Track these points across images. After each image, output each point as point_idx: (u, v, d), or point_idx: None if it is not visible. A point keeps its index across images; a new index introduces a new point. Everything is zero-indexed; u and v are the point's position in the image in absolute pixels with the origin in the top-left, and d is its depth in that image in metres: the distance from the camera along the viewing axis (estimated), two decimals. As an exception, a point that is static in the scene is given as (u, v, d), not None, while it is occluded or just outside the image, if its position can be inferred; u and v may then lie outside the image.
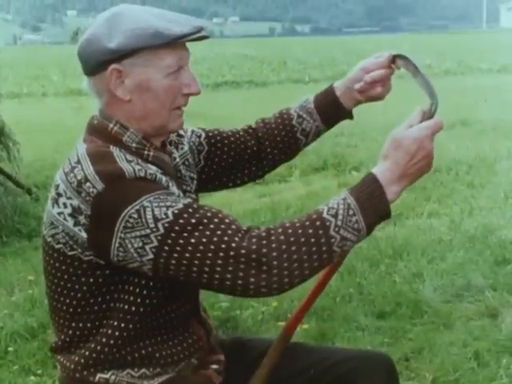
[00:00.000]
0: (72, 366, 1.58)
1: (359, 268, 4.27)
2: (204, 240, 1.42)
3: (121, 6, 1.61)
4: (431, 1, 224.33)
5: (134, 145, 1.57)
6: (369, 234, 1.47)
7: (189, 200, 1.50)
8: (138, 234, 1.43)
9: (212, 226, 1.43)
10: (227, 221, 1.45)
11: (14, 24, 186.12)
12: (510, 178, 6.66)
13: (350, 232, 1.43)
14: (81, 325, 1.57)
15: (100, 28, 1.55)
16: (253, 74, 22.87)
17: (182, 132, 1.80)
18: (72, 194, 1.48)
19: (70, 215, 1.48)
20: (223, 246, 1.41)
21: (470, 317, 3.62)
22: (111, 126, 1.57)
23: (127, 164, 1.49)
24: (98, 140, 1.57)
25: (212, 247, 1.41)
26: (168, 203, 1.44)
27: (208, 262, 1.42)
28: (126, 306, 1.54)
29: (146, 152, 1.58)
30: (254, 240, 1.42)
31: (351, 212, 1.43)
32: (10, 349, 3.44)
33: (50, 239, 1.54)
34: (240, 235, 1.43)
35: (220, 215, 1.46)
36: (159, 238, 1.42)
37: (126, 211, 1.43)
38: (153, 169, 1.54)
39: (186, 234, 1.42)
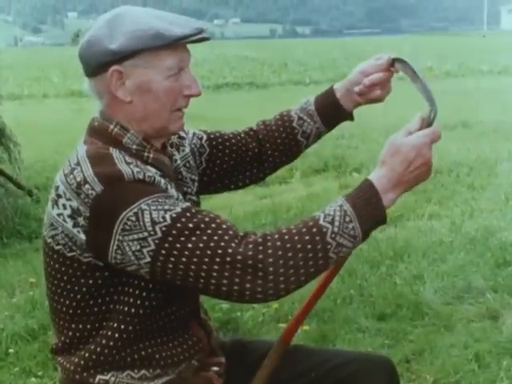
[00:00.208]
0: (72, 368, 1.58)
1: (360, 270, 4.27)
2: (201, 245, 1.42)
3: (122, 7, 1.61)
4: (432, 2, 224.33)
5: (134, 146, 1.58)
6: (364, 239, 1.48)
7: (187, 204, 1.50)
8: (135, 236, 1.43)
9: (209, 232, 1.43)
10: (224, 226, 1.45)
11: (14, 25, 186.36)
12: (511, 179, 6.66)
13: (347, 239, 1.44)
14: (81, 326, 1.57)
15: (101, 29, 1.55)
16: (254, 75, 22.89)
17: (183, 134, 1.81)
18: (71, 195, 1.48)
19: (70, 216, 1.48)
20: (220, 251, 1.41)
21: (470, 319, 3.62)
22: (111, 127, 1.58)
23: (126, 166, 1.49)
24: (98, 141, 1.57)
25: (209, 252, 1.41)
26: (166, 206, 1.44)
27: (204, 267, 1.42)
28: (126, 308, 1.54)
29: (145, 154, 1.58)
30: (250, 246, 1.42)
31: (348, 219, 1.43)
32: (11, 350, 3.44)
33: (49, 240, 1.54)
34: (237, 241, 1.43)
35: (218, 220, 1.46)
36: (156, 241, 1.42)
37: (124, 214, 1.43)
38: (152, 171, 1.54)
39: (183, 239, 1.42)
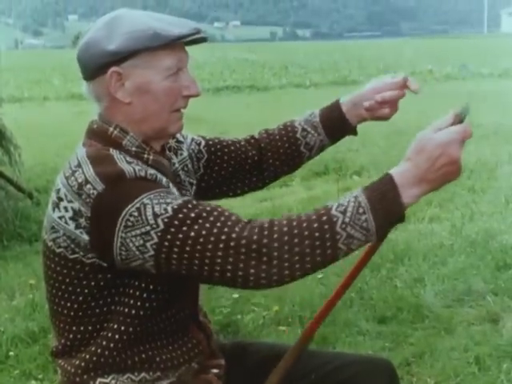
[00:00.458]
0: (72, 370, 1.58)
1: (360, 272, 4.26)
2: (204, 232, 1.41)
3: (120, 10, 1.62)
4: (432, 6, 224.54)
5: (133, 149, 1.58)
6: (381, 236, 1.44)
7: (189, 197, 1.50)
8: (138, 232, 1.42)
9: (211, 219, 1.42)
10: (227, 213, 1.44)
11: (15, 28, 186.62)
12: (511, 182, 6.66)
13: (358, 230, 1.40)
14: (81, 328, 1.57)
15: (99, 31, 1.55)
16: (254, 78, 22.91)
17: (181, 138, 1.81)
18: (73, 197, 1.48)
19: (71, 218, 1.48)
20: (223, 237, 1.40)
21: (471, 322, 3.62)
22: (111, 129, 1.58)
23: (127, 165, 1.49)
24: (97, 144, 1.57)
25: (212, 239, 1.41)
26: (168, 200, 1.44)
27: (208, 254, 1.41)
28: (127, 309, 1.54)
29: (145, 156, 1.59)
30: (255, 230, 1.40)
31: (361, 210, 1.39)
32: (11, 353, 3.44)
33: (50, 243, 1.54)
34: (240, 225, 1.42)
35: (219, 209, 1.45)
36: (159, 234, 1.42)
37: (126, 210, 1.43)
38: (153, 171, 1.54)
39: (185, 228, 1.41)
